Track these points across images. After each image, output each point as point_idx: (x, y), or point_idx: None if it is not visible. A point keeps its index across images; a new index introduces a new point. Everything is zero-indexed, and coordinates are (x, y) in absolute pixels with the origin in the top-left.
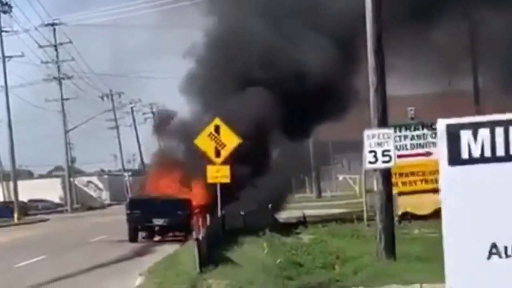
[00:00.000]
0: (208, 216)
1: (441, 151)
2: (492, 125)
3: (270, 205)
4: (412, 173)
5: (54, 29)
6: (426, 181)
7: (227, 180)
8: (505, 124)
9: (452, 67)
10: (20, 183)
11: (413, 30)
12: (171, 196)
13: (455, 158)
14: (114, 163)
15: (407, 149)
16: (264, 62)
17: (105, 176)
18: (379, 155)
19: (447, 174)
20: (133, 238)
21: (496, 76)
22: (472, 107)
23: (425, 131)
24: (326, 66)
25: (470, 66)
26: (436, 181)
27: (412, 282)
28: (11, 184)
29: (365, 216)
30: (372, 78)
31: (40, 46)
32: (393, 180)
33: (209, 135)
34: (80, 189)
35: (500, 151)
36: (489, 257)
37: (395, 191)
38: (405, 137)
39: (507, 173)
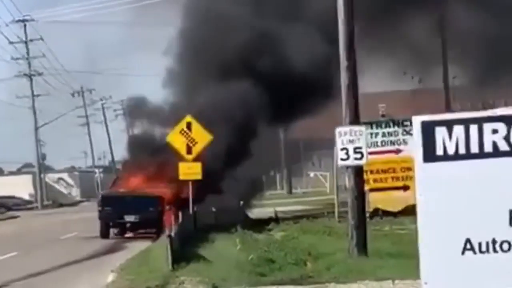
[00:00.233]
0: (180, 213)
1: (416, 148)
2: (466, 122)
3: (241, 202)
4: (383, 170)
5: (25, 25)
6: (397, 178)
7: (198, 177)
8: (479, 121)
9: (423, 64)
10: None
11: (385, 27)
12: (143, 193)
13: (430, 155)
14: (85, 160)
15: (377, 146)
16: (245, 53)
17: (76, 173)
18: (351, 152)
19: (422, 171)
20: (104, 235)
21: (468, 74)
22: (443, 105)
23: (396, 128)
24: (306, 59)
25: (441, 63)
26: (407, 178)
27: (385, 278)
28: None
29: (336, 213)
30: (344, 76)
31: (11, 43)
32: (365, 177)
33: (180, 131)
34: (51, 186)
35: (475, 148)
36: (463, 253)
37: (366, 188)
38: (376, 134)
39: (481, 170)
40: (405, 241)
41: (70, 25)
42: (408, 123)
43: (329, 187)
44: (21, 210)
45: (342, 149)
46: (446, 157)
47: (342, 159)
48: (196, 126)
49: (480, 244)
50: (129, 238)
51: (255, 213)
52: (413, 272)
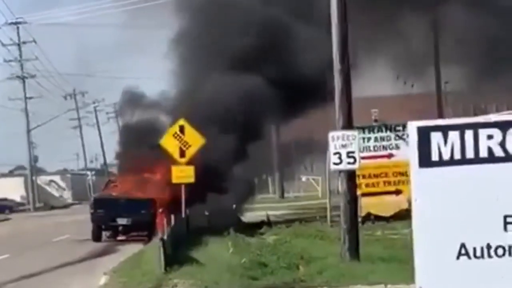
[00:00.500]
0: (172, 216)
1: (411, 153)
2: (462, 128)
3: (234, 205)
4: (376, 175)
5: (18, 28)
6: (389, 183)
7: (191, 180)
8: (475, 127)
9: (416, 70)
10: None
11: (378, 32)
12: (135, 196)
13: (425, 160)
14: (77, 163)
15: (370, 150)
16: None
17: (68, 175)
18: (343, 156)
19: (418, 176)
20: (97, 238)
21: (460, 78)
22: (435, 109)
23: (388, 133)
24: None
25: (434, 69)
26: (399, 182)
27: (377, 283)
28: None
29: (328, 217)
30: (337, 79)
31: (3, 45)
32: (357, 181)
33: (173, 135)
34: (42, 188)
35: (470, 154)
36: (458, 257)
37: (359, 192)
38: (369, 139)
39: (476, 175)
40: (397, 245)
41: (63, 28)
42: (400, 128)
43: (321, 191)
44: (13, 212)
45: (335, 154)
46: (441, 163)
47: (335, 164)
48: (189, 129)
49: (475, 249)
50: (121, 241)
51: (247, 216)
52: (405, 276)
